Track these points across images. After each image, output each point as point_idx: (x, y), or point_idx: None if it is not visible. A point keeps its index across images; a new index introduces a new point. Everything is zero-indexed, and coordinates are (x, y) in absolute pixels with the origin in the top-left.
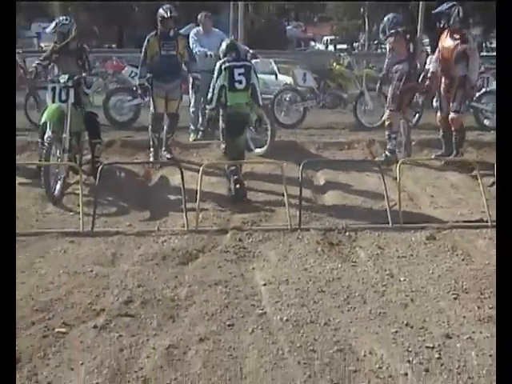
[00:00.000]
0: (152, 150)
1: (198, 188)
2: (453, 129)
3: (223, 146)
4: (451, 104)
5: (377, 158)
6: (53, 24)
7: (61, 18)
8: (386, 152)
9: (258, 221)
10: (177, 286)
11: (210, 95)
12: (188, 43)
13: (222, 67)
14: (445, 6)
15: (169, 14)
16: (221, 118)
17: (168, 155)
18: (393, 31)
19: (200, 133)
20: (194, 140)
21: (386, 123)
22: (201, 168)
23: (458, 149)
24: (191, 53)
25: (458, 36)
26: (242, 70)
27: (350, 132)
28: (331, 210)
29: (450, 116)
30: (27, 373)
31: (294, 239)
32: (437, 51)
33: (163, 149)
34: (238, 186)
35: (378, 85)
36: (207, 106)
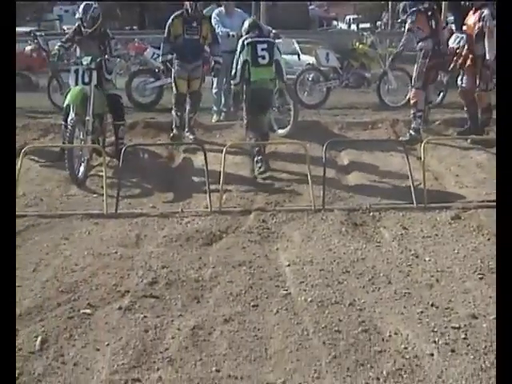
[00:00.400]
0: (174, 129)
1: (222, 169)
2: (479, 107)
3: (245, 121)
4: (477, 82)
5: (401, 138)
6: (81, 8)
7: (89, 3)
8: (411, 131)
9: (282, 201)
10: (201, 267)
11: (233, 71)
12: (211, 25)
13: (245, 43)
14: None
15: (193, 8)
16: (245, 94)
17: (191, 136)
18: (414, 9)
19: (223, 114)
20: (217, 121)
21: (412, 102)
22: (224, 149)
23: (483, 127)
24: (215, 35)
25: (477, 14)
26: (265, 46)
27: (373, 112)
28: (355, 190)
29: (477, 93)
30: (53, 353)
31: (318, 220)
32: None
33: (186, 130)
34: (261, 166)
35: (390, 60)
36: (232, 82)
